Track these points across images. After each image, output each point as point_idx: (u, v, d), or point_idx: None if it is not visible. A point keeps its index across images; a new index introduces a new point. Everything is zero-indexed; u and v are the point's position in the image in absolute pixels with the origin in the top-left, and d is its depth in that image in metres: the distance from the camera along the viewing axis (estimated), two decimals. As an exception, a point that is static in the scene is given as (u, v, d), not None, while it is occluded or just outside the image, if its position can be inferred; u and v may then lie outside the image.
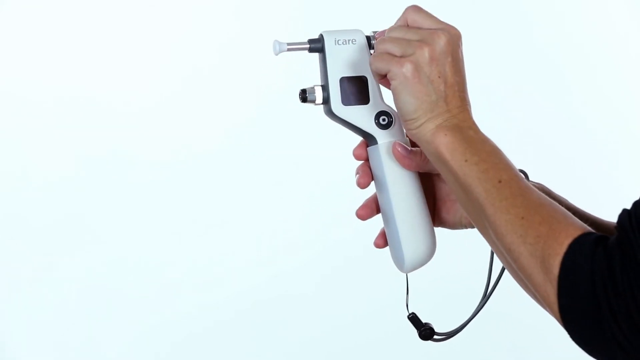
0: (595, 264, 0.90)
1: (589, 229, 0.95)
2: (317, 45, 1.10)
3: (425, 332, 1.16)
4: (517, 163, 1.05)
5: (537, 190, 1.00)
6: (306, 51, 1.10)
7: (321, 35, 1.11)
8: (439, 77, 1.04)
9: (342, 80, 1.10)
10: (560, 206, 0.98)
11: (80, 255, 2.74)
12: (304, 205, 2.81)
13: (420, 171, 1.13)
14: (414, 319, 1.16)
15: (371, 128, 1.11)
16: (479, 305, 1.15)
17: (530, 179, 1.10)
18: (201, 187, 2.78)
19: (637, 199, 0.94)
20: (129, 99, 2.77)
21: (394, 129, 1.11)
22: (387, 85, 1.08)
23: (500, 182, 1.00)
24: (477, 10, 2.82)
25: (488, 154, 1.02)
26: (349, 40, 1.11)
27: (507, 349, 2.75)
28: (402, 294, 1.18)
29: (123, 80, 2.77)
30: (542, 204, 0.98)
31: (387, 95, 1.12)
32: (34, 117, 2.75)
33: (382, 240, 1.16)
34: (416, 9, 1.08)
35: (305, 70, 1.25)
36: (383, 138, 1.11)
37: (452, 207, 1.17)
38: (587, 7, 2.84)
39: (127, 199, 2.77)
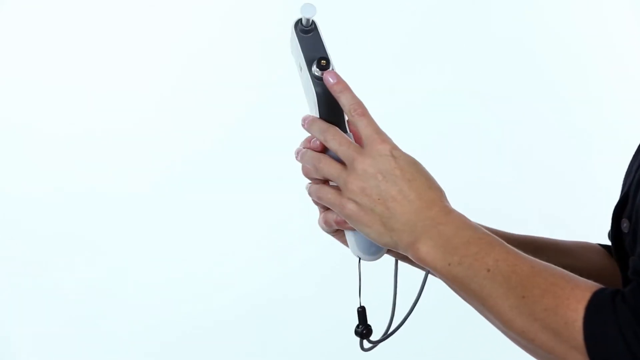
0: (621, 318, 0.91)
1: (596, 285, 0.95)
2: (312, 27, 1.14)
3: (360, 330, 1.14)
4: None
5: (525, 257, 0.98)
6: (299, 28, 1.14)
7: (312, 20, 1.14)
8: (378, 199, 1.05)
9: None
10: (553, 266, 0.97)
11: (80, 256, 2.75)
12: (303, 206, 2.81)
13: None
14: (361, 313, 1.17)
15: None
16: (409, 310, 1.12)
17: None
18: (201, 189, 2.78)
19: None
20: (127, 102, 2.78)
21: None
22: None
23: (488, 270, 0.98)
24: (471, 13, 2.82)
25: (466, 246, 1.00)
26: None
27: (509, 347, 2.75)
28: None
29: (120, 84, 2.77)
30: (536, 272, 0.97)
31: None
32: (34, 118, 2.75)
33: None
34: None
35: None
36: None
37: None
38: (575, 9, 2.84)
39: (127, 200, 2.77)
